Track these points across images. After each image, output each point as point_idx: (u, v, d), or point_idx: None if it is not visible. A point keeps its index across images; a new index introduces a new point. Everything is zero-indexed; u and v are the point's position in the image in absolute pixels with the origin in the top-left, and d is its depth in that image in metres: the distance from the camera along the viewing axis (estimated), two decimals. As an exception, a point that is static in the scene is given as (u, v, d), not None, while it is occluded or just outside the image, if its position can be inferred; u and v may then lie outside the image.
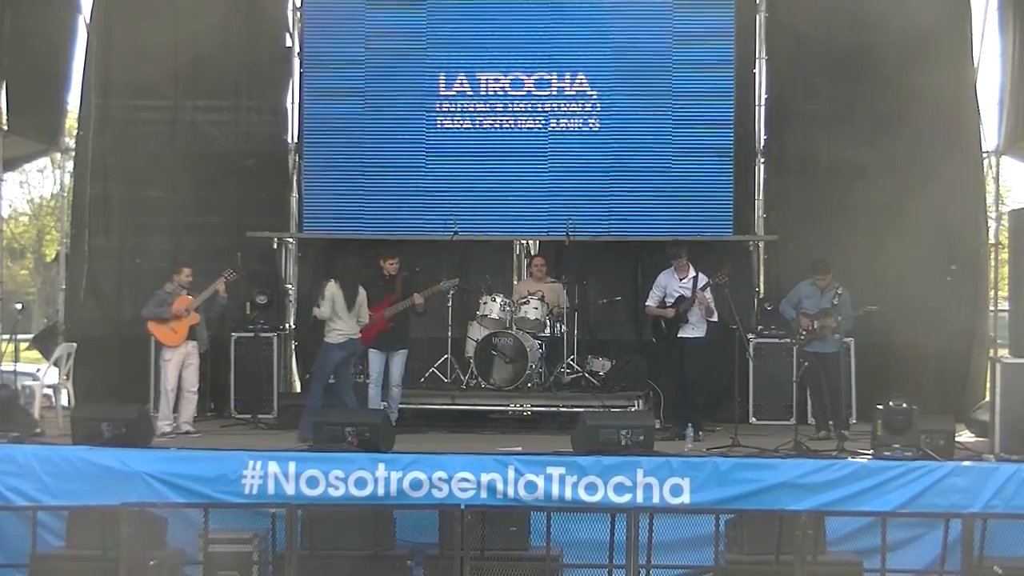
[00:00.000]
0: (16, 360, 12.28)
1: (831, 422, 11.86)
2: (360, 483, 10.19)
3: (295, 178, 14.88)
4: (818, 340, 11.86)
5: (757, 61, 14.52)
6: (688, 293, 12.01)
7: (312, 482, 10.21)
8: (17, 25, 13.85)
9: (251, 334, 13.77)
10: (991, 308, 14.22)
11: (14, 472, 10.34)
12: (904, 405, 10.51)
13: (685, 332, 12.07)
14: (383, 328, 12.02)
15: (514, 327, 13.04)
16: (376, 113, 14.33)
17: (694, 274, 12.13)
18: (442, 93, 14.24)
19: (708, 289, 11.94)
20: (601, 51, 14.18)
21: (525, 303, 13.05)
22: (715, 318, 12.06)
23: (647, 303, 12.44)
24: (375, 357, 12.08)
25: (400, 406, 12.24)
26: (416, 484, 10.15)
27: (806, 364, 11.81)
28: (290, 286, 15.04)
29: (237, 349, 13.86)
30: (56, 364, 12.99)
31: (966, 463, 10.24)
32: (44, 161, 22.24)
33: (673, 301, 12.14)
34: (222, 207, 14.64)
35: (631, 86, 14.13)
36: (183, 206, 14.56)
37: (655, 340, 12.53)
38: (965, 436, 11.81)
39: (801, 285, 12.30)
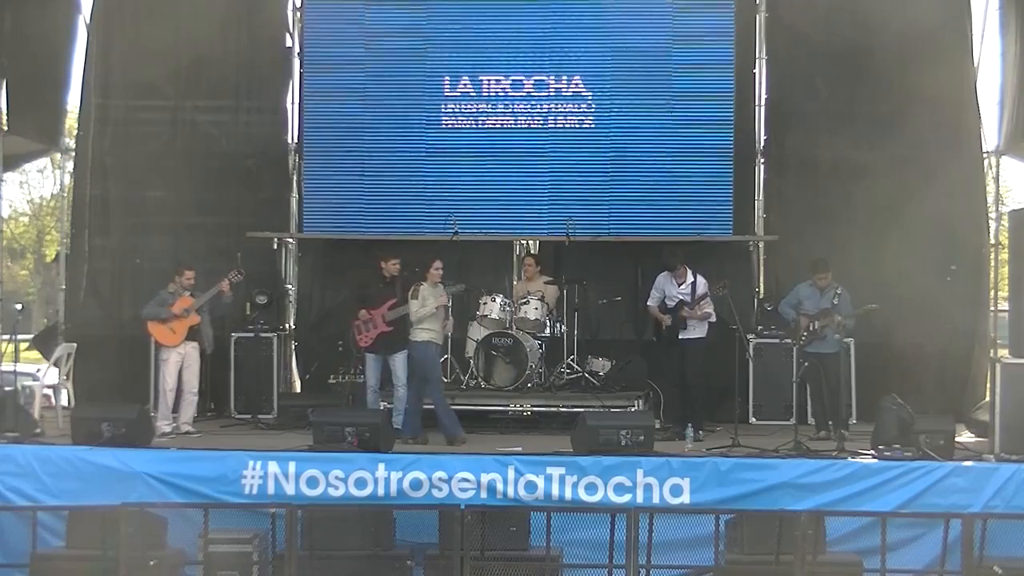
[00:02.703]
0: (16, 360, 12.27)
1: (830, 422, 11.86)
2: (360, 483, 10.20)
3: (295, 178, 14.87)
4: (819, 340, 11.87)
5: (757, 61, 14.51)
6: (688, 298, 12.03)
7: (312, 482, 10.22)
8: (17, 25, 13.86)
9: (251, 334, 13.77)
10: (991, 308, 14.22)
11: (14, 472, 10.37)
12: (893, 403, 10.56)
13: (685, 334, 12.11)
14: (383, 331, 11.95)
15: (514, 327, 13.04)
16: (376, 113, 14.32)
17: (692, 279, 12.15)
18: (445, 94, 14.23)
19: (707, 299, 11.98)
20: (601, 52, 14.17)
21: (525, 303, 13.04)
22: (713, 319, 12.10)
23: (648, 303, 12.48)
24: (372, 362, 12.01)
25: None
26: (416, 484, 10.17)
27: (806, 364, 11.83)
28: (290, 286, 15.03)
29: (237, 349, 13.86)
30: (56, 364, 13.00)
31: (966, 463, 10.25)
32: (44, 161, 22.29)
33: (672, 305, 12.16)
34: (222, 207, 14.63)
35: (631, 86, 14.12)
36: (183, 206, 14.55)
37: (656, 339, 12.53)
38: (965, 436, 11.81)
39: (800, 286, 12.30)
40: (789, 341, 12.23)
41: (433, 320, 11.67)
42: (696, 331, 12.09)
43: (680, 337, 12.10)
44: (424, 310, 11.58)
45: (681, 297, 12.13)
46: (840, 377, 12.06)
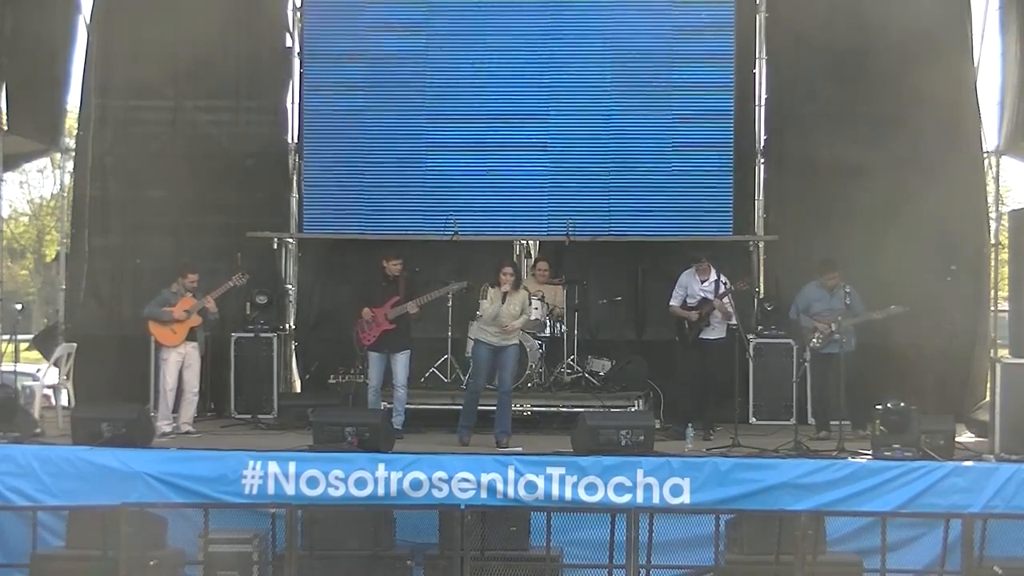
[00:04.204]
0: (16, 360, 12.28)
1: (836, 422, 11.79)
2: (360, 483, 10.20)
3: (295, 178, 14.87)
4: (833, 342, 11.84)
5: (757, 61, 14.51)
6: (711, 296, 12.04)
7: (312, 482, 10.22)
8: (17, 25, 13.85)
9: (251, 334, 13.76)
10: (991, 308, 14.21)
11: (14, 472, 10.35)
12: (902, 405, 10.53)
13: (706, 334, 12.12)
14: (386, 329, 11.95)
15: (514, 327, 13.03)
16: (376, 113, 14.33)
17: (715, 277, 12.14)
18: (445, 94, 14.23)
19: (728, 296, 11.97)
20: (601, 51, 14.17)
21: (525, 303, 13.03)
22: (733, 321, 12.07)
23: (671, 303, 12.44)
24: (375, 360, 12.00)
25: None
26: (416, 484, 10.16)
27: (806, 364, 11.81)
28: (290, 286, 15.03)
29: (237, 349, 13.85)
30: (56, 364, 12.99)
31: (966, 463, 10.25)
32: (44, 161, 22.24)
33: (696, 303, 12.16)
34: (222, 207, 14.62)
35: (631, 86, 14.13)
36: (183, 206, 14.53)
37: (678, 339, 12.49)
38: (965, 436, 11.81)
39: (807, 288, 12.28)
40: (812, 342, 12.07)
41: (494, 322, 11.62)
42: (716, 332, 12.11)
43: (701, 337, 12.11)
44: (492, 309, 11.55)
45: (704, 295, 12.13)
46: (849, 377, 12.03)
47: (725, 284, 12.06)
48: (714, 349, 12.12)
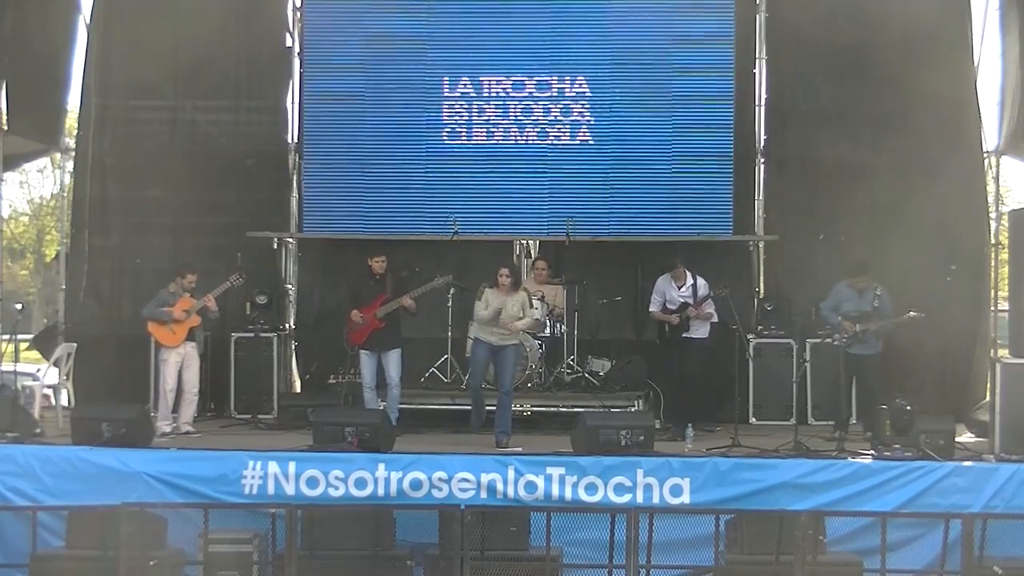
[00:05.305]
0: (16, 360, 12.27)
1: (858, 423, 11.78)
2: (360, 483, 10.20)
3: (295, 178, 14.88)
4: (859, 343, 11.82)
5: (757, 61, 14.52)
6: (689, 300, 12.03)
7: (312, 482, 10.22)
8: (17, 25, 13.85)
9: (251, 334, 13.77)
10: (991, 308, 14.20)
11: (14, 472, 10.35)
12: (908, 407, 10.53)
13: (688, 333, 12.13)
14: (376, 328, 11.97)
15: (514, 327, 13.02)
16: (376, 113, 14.33)
17: (692, 281, 12.15)
18: (445, 94, 14.24)
19: (708, 300, 11.98)
20: (601, 52, 14.18)
21: (525, 303, 13.03)
22: (715, 319, 12.10)
23: (651, 308, 12.47)
24: (366, 359, 12.01)
25: (400, 406, 12.13)
26: (416, 484, 10.16)
27: (806, 363, 11.78)
28: (290, 286, 15.03)
29: (237, 349, 13.87)
30: (56, 364, 12.99)
31: (966, 463, 10.25)
32: (44, 161, 22.26)
33: (675, 308, 12.15)
34: (222, 207, 14.64)
35: (631, 87, 14.13)
36: (183, 206, 14.55)
37: (659, 341, 12.52)
38: (965, 436, 11.81)
39: (839, 287, 12.25)
40: (834, 340, 12.02)
41: (490, 324, 11.64)
42: (699, 331, 12.11)
43: (683, 336, 12.10)
44: (484, 313, 11.58)
45: (682, 300, 12.13)
46: (878, 379, 12.03)
47: (705, 288, 12.04)
48: (696, 349, 12.12)
